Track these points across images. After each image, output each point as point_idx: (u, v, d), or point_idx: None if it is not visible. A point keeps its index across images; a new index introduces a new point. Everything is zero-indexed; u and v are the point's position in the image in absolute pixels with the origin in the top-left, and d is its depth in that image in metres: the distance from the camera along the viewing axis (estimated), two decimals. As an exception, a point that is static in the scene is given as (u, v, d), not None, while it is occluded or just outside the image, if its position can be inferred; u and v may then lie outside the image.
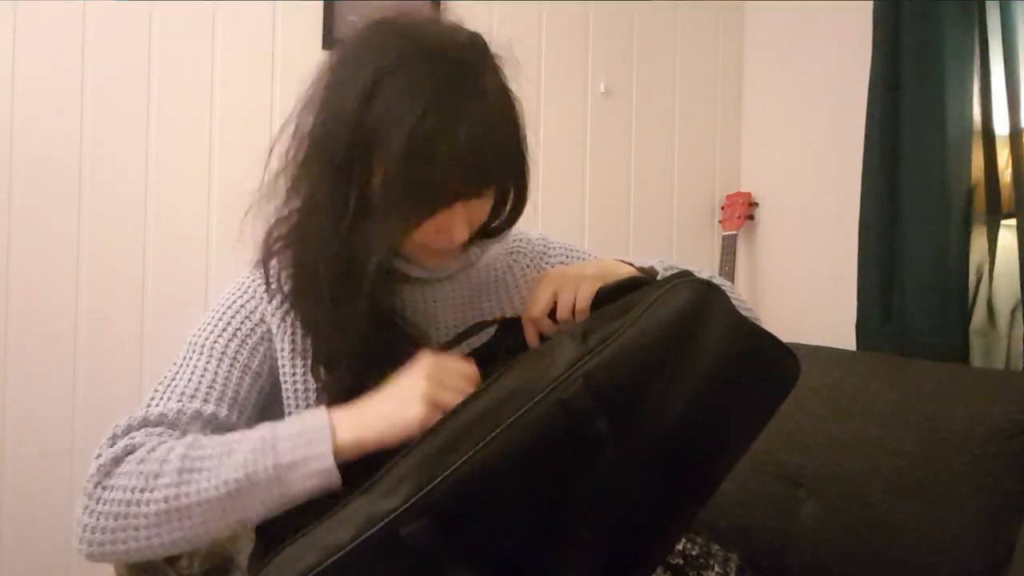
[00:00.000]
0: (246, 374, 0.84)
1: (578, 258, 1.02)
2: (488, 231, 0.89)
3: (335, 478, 0.70)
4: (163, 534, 0.71)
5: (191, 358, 0.84)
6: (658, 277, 0.82)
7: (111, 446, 0.76)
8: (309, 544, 0.66)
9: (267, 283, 0.85)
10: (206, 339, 0.85)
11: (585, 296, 0.78)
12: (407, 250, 0.85)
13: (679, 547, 1.40)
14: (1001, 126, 1.54)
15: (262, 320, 0.86)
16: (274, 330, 0.86)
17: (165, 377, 0.84)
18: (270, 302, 0.86)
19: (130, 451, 0.75)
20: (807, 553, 1.37)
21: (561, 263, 1.00)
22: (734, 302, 0.77)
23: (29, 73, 1.76)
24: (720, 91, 2.37)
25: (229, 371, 0.83)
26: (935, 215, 1.56)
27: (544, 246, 1.01)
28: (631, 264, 0.85)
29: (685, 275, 0.76)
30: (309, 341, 0.83)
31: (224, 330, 0.85)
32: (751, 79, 2.36)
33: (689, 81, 2.34)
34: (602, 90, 2.23)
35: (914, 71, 1.60)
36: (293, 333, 0.85)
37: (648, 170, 2.30)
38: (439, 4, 2.00)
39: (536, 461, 0.67)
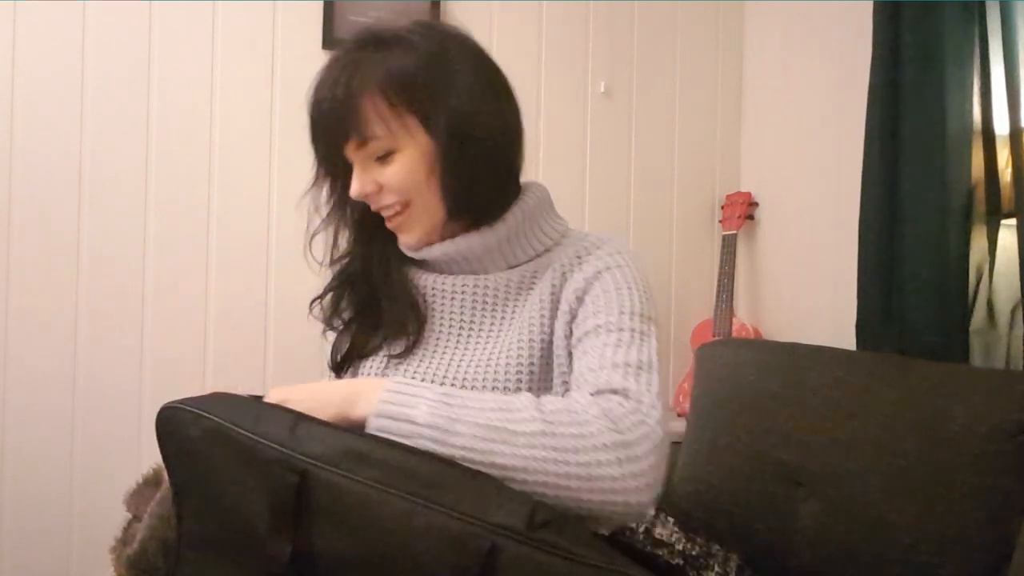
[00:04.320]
0: None
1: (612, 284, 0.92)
2: (458, 212, 0.93)
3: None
4: None
5: None
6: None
7: None
8: None
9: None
10: None
11: None
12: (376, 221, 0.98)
13: (679, 547, 1.40)
14: (1001, 126, 1.54)
15: None
16: None
17: None
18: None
19: None
20: (807, 553, 1.36)
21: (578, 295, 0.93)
22: None
23: (29, 73, 1.76)
24: (720, 91, 2.37)
25: None
26: (935, 215, 1.55)
27: (580, 258, 0.95)
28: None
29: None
30: None
31: None
32: (751, 79, 2.36)
33: (689, 81, 2.34)
34: (602, 90, 2.23)
35: (914, 71, 1.60)
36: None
37: (648, 170, 2.30)
38: (438, 4, 2.00)
39: None
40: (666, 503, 1.50)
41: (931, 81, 1.57)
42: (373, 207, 0.94)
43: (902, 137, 1.63)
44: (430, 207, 0.92)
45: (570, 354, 0.90)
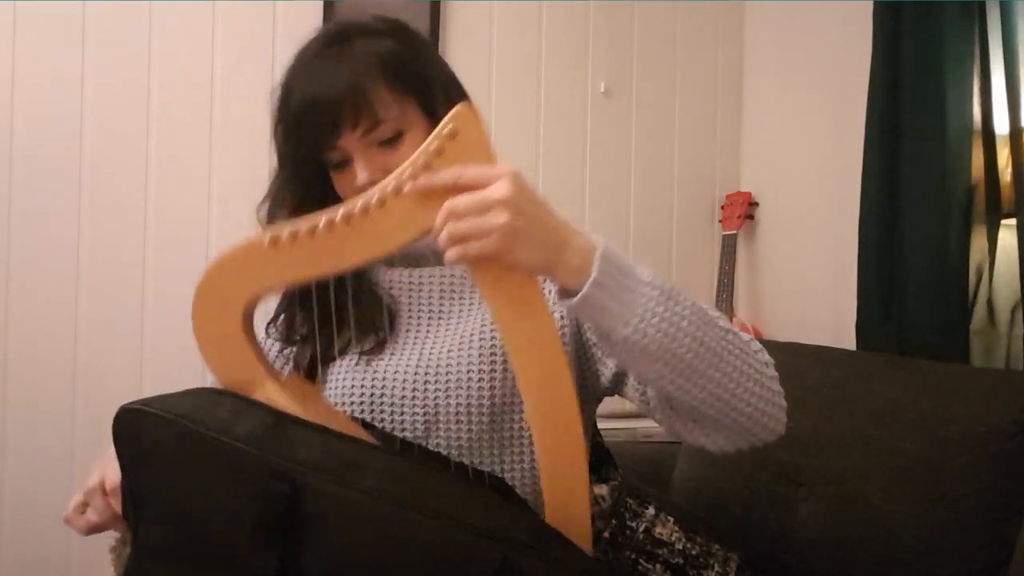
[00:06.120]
0: None
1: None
2: None
3: None
4: None
5: None
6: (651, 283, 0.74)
7: None
8: None
9: None
10: None
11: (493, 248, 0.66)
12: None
13: (679, 547, 1.40)
14: (1001, 126, 1.54)
15: None
16: None
17: None
18: None
19: None
20: (807, 553, 1.37)
21: None
22: None
23: (29, 73, 1.76)
24: (720, 91, 2.37)
25: None
26: (935, 214, 1.56)
27: None
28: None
29: None
30: None
31: None
32: (751, 79, 2.36)
33: (689, 81, 2.34)
34: (602, 90, 2.23)
35: (914, 71, 1.60)
36: None
37: (648, 170, 2.30)
38: (439, 4, 2.00)
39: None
40: (666, 503, 1.50)
41: (931, 81, 1.57)
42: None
43: (902, 137, 1.63)
44: None
45: (577, 329, 0.91)
